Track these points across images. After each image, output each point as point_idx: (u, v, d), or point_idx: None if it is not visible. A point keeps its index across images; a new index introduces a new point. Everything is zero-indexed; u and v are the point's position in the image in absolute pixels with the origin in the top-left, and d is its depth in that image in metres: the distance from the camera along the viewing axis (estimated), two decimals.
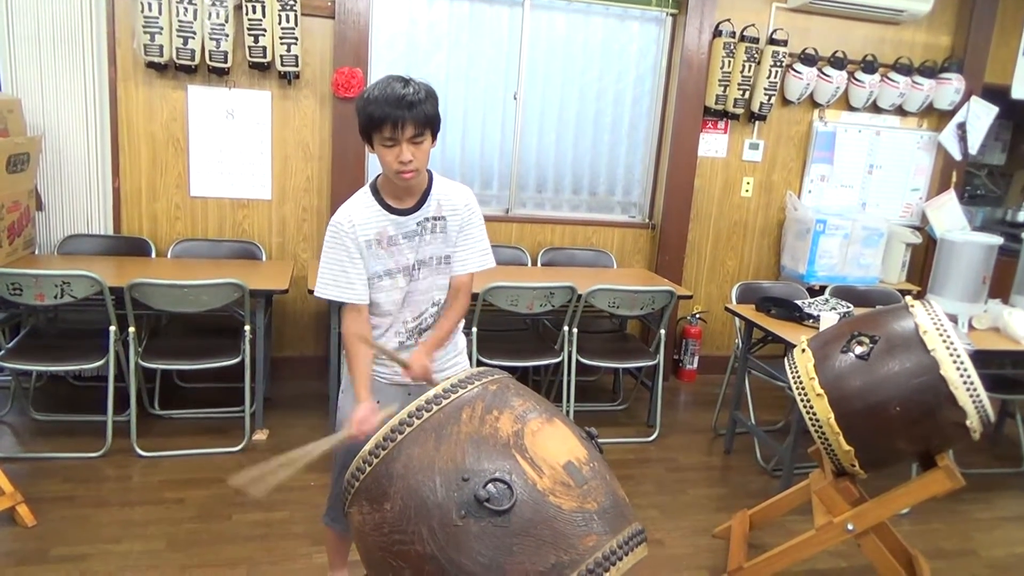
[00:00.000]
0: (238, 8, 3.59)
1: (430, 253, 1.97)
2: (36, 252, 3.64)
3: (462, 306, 2.06)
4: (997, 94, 4.75)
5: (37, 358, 3.17)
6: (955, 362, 2.03)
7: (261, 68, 3.75)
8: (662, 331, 3.72)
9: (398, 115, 1.73)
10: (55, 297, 2.99)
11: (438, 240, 1.97)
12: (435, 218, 1.95)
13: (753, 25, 4.31)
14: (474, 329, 3.40)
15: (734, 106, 4.37)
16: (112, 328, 3.09)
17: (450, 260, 2.00)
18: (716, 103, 4.36)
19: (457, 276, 2.03)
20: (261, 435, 3.45)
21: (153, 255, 3.80)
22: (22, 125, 3.42)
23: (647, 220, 4.64)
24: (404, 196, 1.93)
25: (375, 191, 1.95)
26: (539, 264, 4.32)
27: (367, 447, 1.28)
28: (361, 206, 1.93)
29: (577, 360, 3.60)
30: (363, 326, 1.96)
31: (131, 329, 3.12)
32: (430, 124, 1.80)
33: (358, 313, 1.95)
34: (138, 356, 3.18)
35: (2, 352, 3.11)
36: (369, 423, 1.78)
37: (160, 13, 3.46)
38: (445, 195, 1.97)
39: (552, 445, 1.24)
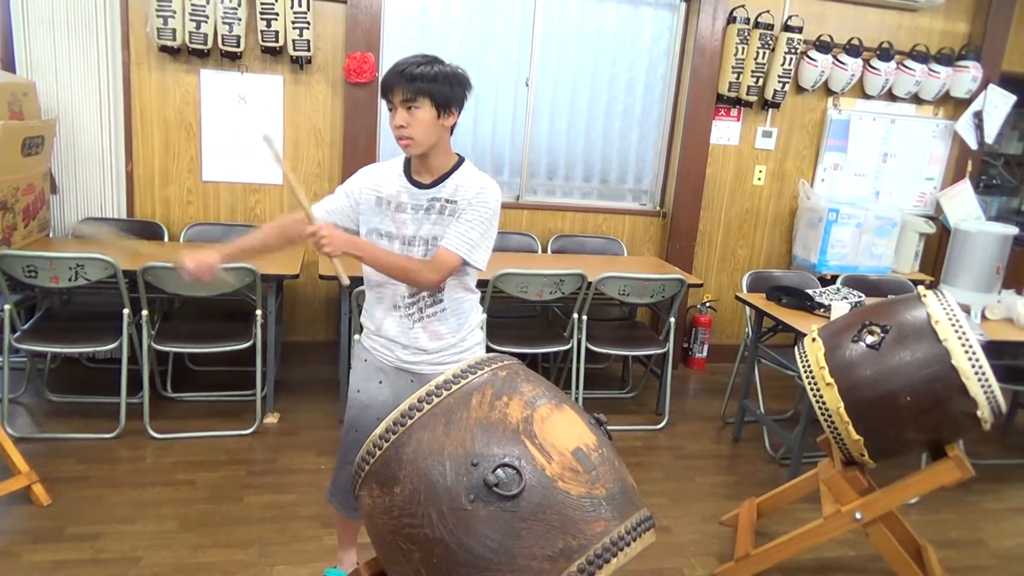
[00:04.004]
0: None
1: (431, 233, 1.95)
2: (51, 235, 3.67)
3: (425, 265, 1.91)
4: (1015, 82, 4.69)
5: (52, 340, 3.20)
6: (967, 352, 2.03)
7: (273, 53, 3.75)
8: (672, 319, 3.71)
9: (394, 81, 1.85)
10: (69, 280, 3.02)
11: (444, 223, 1.95)
12: (448, 201, 1.95)
13: (768, 11, 4.27)
14: (484, 315, 3.40)
15: (747, 93, 4.34)
16: (125, 311, 3.12)
17: None
18: (729, 90, 4.33)
19: (440, 249, 1.92)
20: (272, 418, 3.48)
21: (166, 239, 3.82)
22: (36, 108, 3.44)
23: (658, 208, 4.63)
24: (423, 171, 1.97)
25: (407, 160, 2.02)
26: (549, 251, 4.31)
27: (377, 431, 1.28)
28: (390, 166, 2.03)
29: (586, 347, 3.60)
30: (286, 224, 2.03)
31: (144, 312, 3.14)
32: (428, 94, 1.84)
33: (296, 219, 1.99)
34: (151, 339, 3.21)
35: (17, 334, 3.14)
36: (199, 262, 1.90)
37: None
38: (467, 182, 1.96)
39: (561, 431, 1.24)
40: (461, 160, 1.99)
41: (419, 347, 2.03)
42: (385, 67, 3.94)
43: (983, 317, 3.36)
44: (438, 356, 2.06)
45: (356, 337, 1.88)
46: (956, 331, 2.06)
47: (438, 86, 1.85)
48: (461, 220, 1.93)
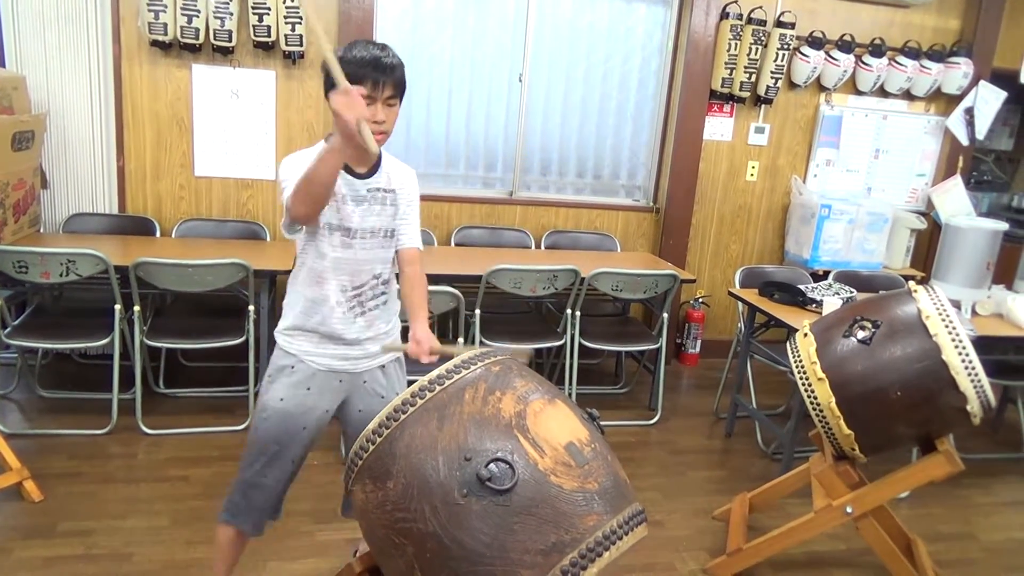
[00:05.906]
0: None
1: (376, 224, 1.91)
2: (41, 230, 3.64)
3: (422, 274, 2.01)
4: (1006, 79, 4.71)
5: (43, 336, 3.18)
6: (957, 347, 2.04)
7: (265, 47, 3.73)
8: (665, 315, 3.72)
9: (378, 75, 1.75)
10: (60, 275, 3.01)
11: (387, 213, 1.93)
12: (386, 190, 1.92)
13: (760, 7, 4.27)
14: (477, 311, 3.40)
15: (740, 89, 4.35)
16: (117, 307, 3.10)
17: (395, 234, 1.97)
18: (722, 86, 4.33)
19: (409, 250, 1.99)
20: None
21: (158, 234, 3.81)
22: (27, 102, 3.41)
23: (651, 204, 4.63)
24: (356, 161, 1.88)
25: None
26: (543, 247, 4.32)
27: (371, 426, 1.28)
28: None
29: (580, 343, 3.60)
30: None
31: (136, 308, 3.13)
32: (402, 90, 1.84)
33: None
34: (143, 335, 3.20)
35: (8, 330, 3.13)
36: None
37: None
38: (396, 170, 1.96)
39: (554, 426, 1.25)
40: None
41: (358, 342, 1.95)
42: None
43: (973, 312, 3.38)
44: (372, 349, 1.99)
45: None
46: (946, 326, 2.07)
47: (403, 78, 1.84)
48: (411, 214, 2.00)
